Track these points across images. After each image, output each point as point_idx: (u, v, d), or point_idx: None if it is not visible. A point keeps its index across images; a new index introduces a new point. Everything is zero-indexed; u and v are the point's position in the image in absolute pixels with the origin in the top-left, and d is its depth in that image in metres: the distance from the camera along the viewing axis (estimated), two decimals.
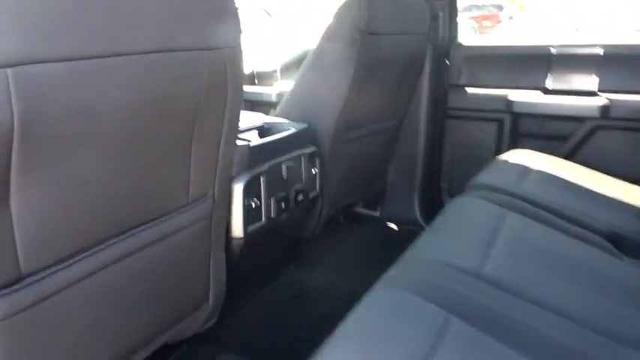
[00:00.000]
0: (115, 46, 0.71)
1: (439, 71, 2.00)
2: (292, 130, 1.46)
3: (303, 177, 1.46)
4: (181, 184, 0.98)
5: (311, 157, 1.50)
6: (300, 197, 1.44)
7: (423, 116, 2.00)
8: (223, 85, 0.94)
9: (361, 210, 2.20)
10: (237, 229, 1.23)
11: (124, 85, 0.75)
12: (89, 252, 0.81)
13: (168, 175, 0.93)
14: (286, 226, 1.48)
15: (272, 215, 1.32)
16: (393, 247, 1.92)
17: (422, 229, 2.07)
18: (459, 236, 1.11)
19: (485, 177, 1.50)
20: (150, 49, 0.77)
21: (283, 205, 1.36)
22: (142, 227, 0.90)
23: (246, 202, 1.23)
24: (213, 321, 1.24)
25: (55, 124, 0.66)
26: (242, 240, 1.26)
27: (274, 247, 1.59)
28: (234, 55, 0.95)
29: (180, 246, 1.02)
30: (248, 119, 1.48)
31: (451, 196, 2.10)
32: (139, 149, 0.83)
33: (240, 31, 0.97)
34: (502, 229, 1.14)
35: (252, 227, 1.27)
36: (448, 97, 2.04)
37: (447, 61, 2.03)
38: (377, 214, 2.18)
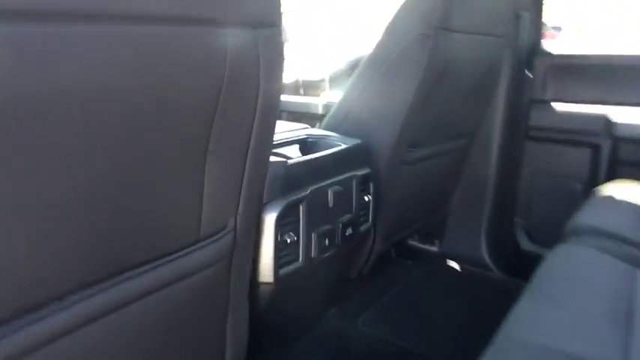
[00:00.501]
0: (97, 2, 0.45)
1: (519, 83, 1.67)
2: (343, 146, 1.16)
3: (354, 205, 1.16)
4: (191, 212, 0.70)
5: (364, 181, 1.20)
6: (349, 231, 1.14)
7: (497, 135, 1.67)
8: (254, 76, 0.66)
9: (416, 244, 1.87)
10: (267, 272, 0.95)
11: (108, 66, 0.48)
12: (64, 302, 0.54)
13: (173, 200, 0.66)
14: (330, 265, 1.18)
15: (312, 254, 1.03)
16: (454, 292, 1.57)
17: (488, 270, 1.72)
18: (580, 309, 0.77)
19: (590, 217, 1.15)
20: (148, 15, 0.51)
21: (327, 241, 1.06)
22: (135, 271, 0.64)
23: (279, 238, 0.94)
24: None
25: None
26: (272, 286, 0.97)
27: (313, 291, 1.29)
28: (270, 37, 0.67)
29: (187, 295, 0.74)
30: (288, 130, 1.20)
31: (529, 234, 1.74)
32: (132, 162, 0.57)
33: (279, 5, 0.69)
34: (637, 296, 0.80)
35: (285, 270, 0.98)
36: (529, 115, 1.70)
37: (529, 72, 1.69)
38: (435, 249, 1.85)
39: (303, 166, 1.02)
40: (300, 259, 1.01)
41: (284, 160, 0.97)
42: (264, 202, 0.92)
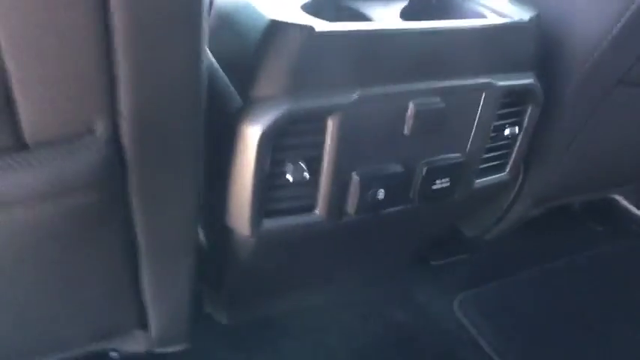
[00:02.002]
0: None
1: None
2: (490, 21, 0.58)
3: (475, 140, 0.61)
4: None
5: (519, 98, 0.62)
6: (445, 183, 0.62)
7: None
8: None
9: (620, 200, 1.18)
10: (239, 218, 0.54)
11: None
12: None
13: None
14: (401, 220, 0.70)
15: (349, 208, 0.58)
16: None
17: None
18: None
19: None
20: None
21: (385, 193, 0.58)
22: None
23: (264, 168, 0.50)
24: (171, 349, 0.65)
25: None
26: (251, 240, 0.57)
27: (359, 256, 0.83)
28: None
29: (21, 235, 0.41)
30: None
31: None
32: None
33: None
34: None
35: (281, 221, 0.56)
36: None
37: None
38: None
39: (360, 44, 0.50)
40: (319, 209, 0.57)
41: (307, 25, 0.47)
42: (247, 100, 0.48)
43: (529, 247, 1.10)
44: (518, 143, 0.67)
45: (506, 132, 0.64)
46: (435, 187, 0.61)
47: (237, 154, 0.50)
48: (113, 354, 0.81)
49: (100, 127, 0.38)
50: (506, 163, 0.69)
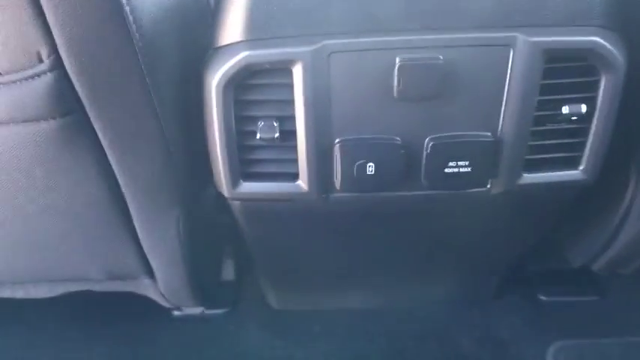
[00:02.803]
0: None
1: None
2: None
3: (506, 114, 0.48)
4: None
5: (587, 64, 0.47)
6: (463, 168, 0.50)
7: None
8: None
9: None
10: (218, 178, 0.53)
11: None
12: None
13: None
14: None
15: (337, 184, 0.52)
16: None
17: None
18: None
19: None
20: None
21: (375, 168, 0.49)
22: None
23: (232, 126, 0.49)
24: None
25: None
26: (236, 202, 0.56)
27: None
28: None
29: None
30: None
31: None
32: None
33: None
34: None
35: (262, 187, 0.53)
36: None
37: None
38: None
39: None
40: (301, 179, 0.52)
41: None
42: (210, 48, 0.47)
43: None
44: (593, 128, 0.50)
45: (565, 110, 0.48)
46: (448, 170, 0.50)
47: (205, 105, 0.49)
48: (176, 312, 0.88)
49: (45, 58, 0.42)
50: (580, 156, 0.52)
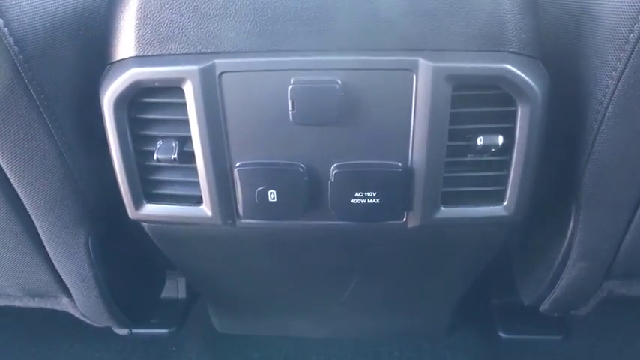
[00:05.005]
0: None
1: None
2: None
3: (415, 144, 0.44)
4: None
5: (502, 93, 0.43)
6: (371, 199, 0.46)
7: None
8: None
9: None
10: (124, 197, 0.51)
11: None
12: None
13: None
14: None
15: (240, 211, 0.49)
16: None
17: None
18: None
19: None
20: None
21: (273, 195, 0.47)
22: None
23: (129, 145, 0.46)
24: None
25: None
26: (146, 225, 0.53)
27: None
28: None
29: None
30: None
31: None
32: None
33: None
34: None
35: (163, 210, 0.50)
36: None
37: None
38: None
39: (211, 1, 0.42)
40: (204, 204, 0.49)
41: None
42: (104, 65, 0.45)
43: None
44: (514, 161, 0.46)
45: (480, 141, 0.45)
46: (355, 201, 0.47)
47: (104, 122, 0.47)
48: (119, 331, 0.86)
49: None
50: (503, 190, 0.48)
